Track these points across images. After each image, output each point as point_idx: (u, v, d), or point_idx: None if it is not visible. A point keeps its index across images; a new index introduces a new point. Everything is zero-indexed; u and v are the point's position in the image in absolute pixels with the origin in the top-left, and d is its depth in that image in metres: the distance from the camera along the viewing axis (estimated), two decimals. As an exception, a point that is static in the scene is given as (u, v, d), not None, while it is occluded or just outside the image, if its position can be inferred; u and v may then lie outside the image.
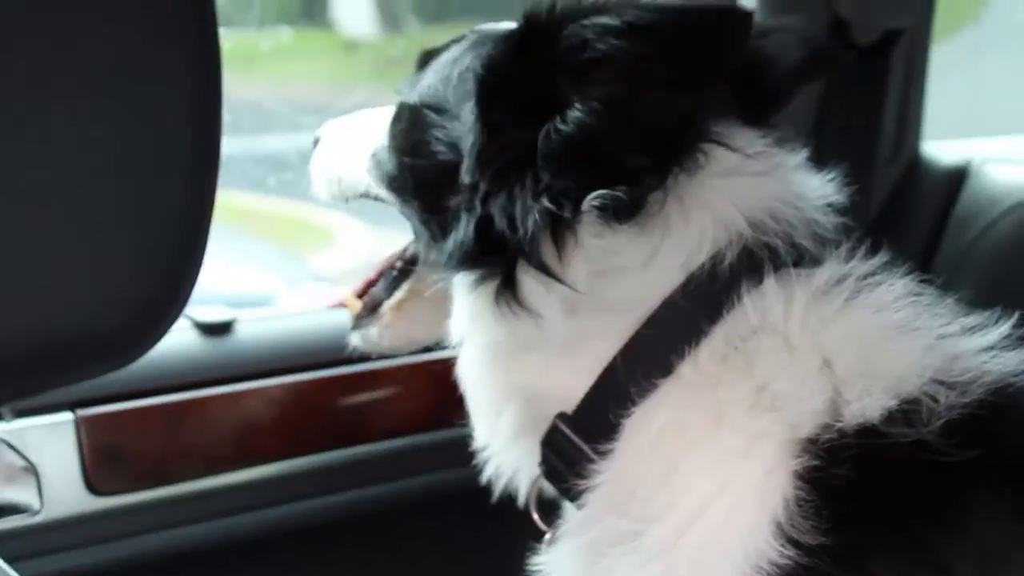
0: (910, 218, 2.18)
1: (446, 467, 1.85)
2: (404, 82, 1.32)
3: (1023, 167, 2.19)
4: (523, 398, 1.19)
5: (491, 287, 1.15)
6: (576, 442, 1.15)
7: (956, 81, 3.19)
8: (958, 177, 2.20)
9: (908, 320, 1.13)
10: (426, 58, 1.33)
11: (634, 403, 1.11)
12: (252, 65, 2.40)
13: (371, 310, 1.46)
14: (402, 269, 1.44)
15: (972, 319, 1.14)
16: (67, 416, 1.59)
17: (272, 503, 1.76)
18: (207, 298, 1.81)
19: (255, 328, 1.79)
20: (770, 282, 1.11)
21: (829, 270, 1.13)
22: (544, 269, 1.11)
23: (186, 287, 0.65)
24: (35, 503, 1.56)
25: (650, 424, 1.11)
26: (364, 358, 1.51)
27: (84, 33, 0.56)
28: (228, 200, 2.22)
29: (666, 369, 1.10)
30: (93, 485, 1.60)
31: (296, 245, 2.77)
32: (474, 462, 1.27)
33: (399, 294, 1.43)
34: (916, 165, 2.25)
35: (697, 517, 1.08)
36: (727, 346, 1.10)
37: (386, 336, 1.44)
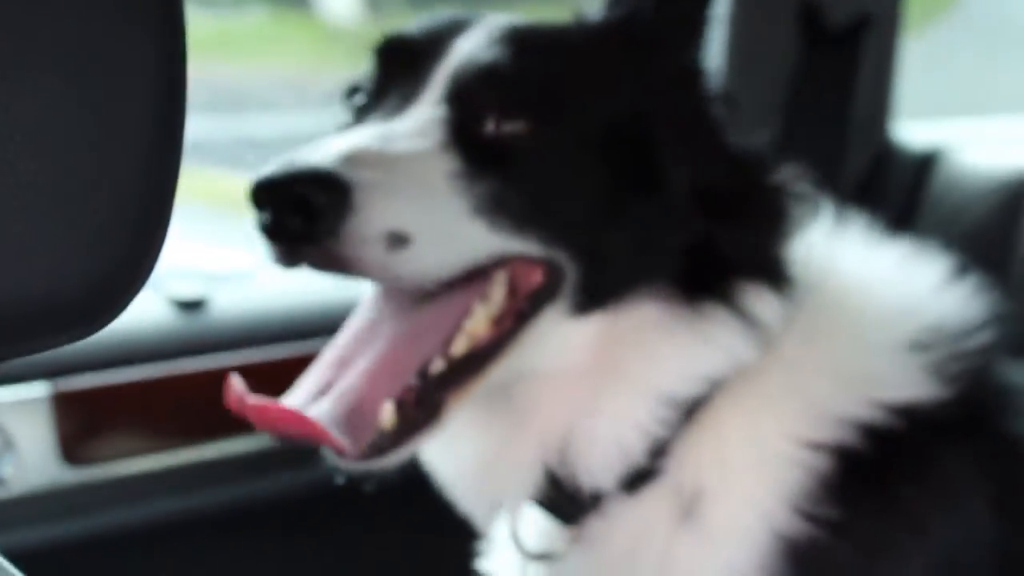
0: (881, 201, 2.20)
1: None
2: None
3: (994, 151, 2.22)
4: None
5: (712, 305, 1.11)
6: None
7: (929, 72, 3.22)
8: (929, 161, 2.22)
9: (918, 280, 1.20)
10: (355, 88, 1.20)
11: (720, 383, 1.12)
12: (229, 46, 2.41)
13: (430, 410, 1.05)
14: (510, 329, 1.08)
15: (965, 276, 1.21)
16: (43, 386, 1.60)
17: (247, 476, 1.78)
18: (186, 275, 1.83)
19: (230, 303, 1.81)
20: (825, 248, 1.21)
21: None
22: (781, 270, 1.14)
23: (150, 259, 0.65)
24: (10, 474, 1.58)
25: (724, 406, 1.13)
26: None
27: (50, 10, 0.57)
28: (208, 180, 2.23)
29: (767, 336, 1.12)
30: (68, 456, 1.62)
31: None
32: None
33: (506, 359, 1.08)
34: (887, 149, 2.27)
35: (731, 489, 1.11)
36: (813, 313, 1.15)
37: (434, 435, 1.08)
